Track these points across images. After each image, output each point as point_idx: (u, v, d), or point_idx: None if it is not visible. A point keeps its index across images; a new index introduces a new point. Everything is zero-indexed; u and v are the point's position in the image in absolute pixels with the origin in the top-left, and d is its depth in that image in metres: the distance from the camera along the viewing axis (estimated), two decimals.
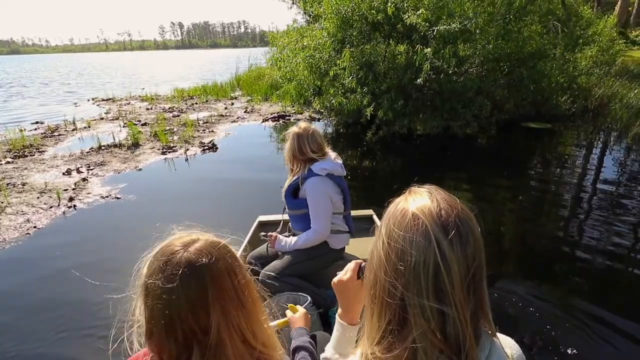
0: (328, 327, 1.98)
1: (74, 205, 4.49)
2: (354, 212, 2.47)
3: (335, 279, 0.95)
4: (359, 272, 0.92)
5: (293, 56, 9.66)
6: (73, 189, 4.96)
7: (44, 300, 2.87)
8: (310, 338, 1.24)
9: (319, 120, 9.35)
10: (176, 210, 4.39)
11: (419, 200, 0.64)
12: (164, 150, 6.67)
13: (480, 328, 0.65)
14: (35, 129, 8.96)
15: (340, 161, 2.20)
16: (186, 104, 12.01)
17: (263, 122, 9.15)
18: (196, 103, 12.08)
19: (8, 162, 6.19)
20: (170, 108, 11.19)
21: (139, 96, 14.07)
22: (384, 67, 7.40)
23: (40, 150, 6.93)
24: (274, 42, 11.81)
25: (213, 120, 9.24)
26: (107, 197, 4.73)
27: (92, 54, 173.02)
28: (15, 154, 6.64)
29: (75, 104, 13.23)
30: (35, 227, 3.99)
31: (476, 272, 0.61)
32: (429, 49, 6.53)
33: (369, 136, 7.08)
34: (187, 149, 6.76)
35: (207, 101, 12.41)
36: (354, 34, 7.76)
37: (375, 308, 0.66)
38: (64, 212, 4.35)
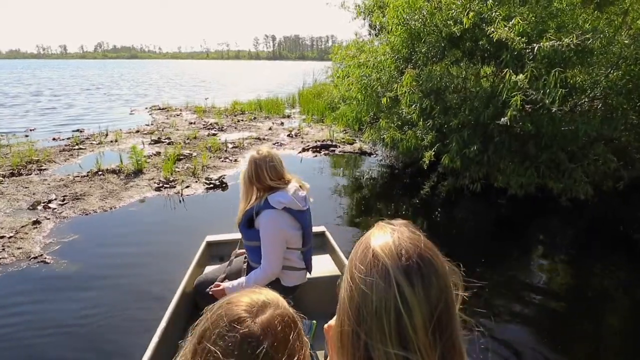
0: None
1: None
2: None
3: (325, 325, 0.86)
4: None
5: (351, 73, 8.17)
6: (9, 238, 3.84)
7: None
8: None
9: (370, 155, 7.55)
10: (99, 293, 2.98)
11: (380, 238, 0.59)
12: (161, 184, 5.41)
13: None
14: (68, 138, 8.50)
15: (303, 193, 2.00)
16: (232, 120, 10.98)
17: (301, 152, 7.59)
18: (242, 120, 10.99)
19: None
20: (212, 124, 10.22)
21: (194, 107, 13.50)
22: (459, 97, 5.43)
23: (41, 168, 6.14)
24: (333, 56, 10.42)
25: (245, 145, 7.92)
26: (35, 258, 3.49)
27: (195, 61, 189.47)
28: (12, 170, 5.91)
29: (131, 111, 13.06)
30: None
31: (442, 315, 0.56)
32: (521, 76, 4.43)
33: (426, 190, 5.14)
34: (188, 186, 5.45)
35: (254, 118, 11.27)
36: (422, 50, 5.92)
37: (343, 358, 0.60)
38: None
